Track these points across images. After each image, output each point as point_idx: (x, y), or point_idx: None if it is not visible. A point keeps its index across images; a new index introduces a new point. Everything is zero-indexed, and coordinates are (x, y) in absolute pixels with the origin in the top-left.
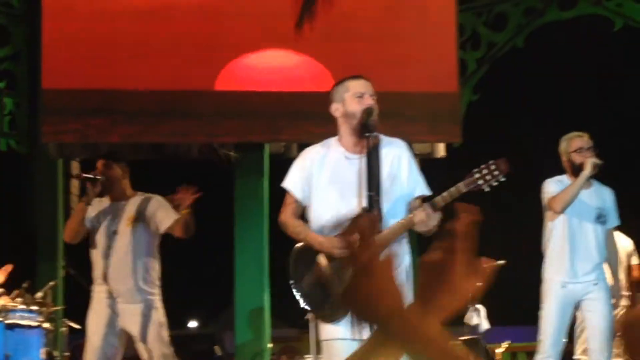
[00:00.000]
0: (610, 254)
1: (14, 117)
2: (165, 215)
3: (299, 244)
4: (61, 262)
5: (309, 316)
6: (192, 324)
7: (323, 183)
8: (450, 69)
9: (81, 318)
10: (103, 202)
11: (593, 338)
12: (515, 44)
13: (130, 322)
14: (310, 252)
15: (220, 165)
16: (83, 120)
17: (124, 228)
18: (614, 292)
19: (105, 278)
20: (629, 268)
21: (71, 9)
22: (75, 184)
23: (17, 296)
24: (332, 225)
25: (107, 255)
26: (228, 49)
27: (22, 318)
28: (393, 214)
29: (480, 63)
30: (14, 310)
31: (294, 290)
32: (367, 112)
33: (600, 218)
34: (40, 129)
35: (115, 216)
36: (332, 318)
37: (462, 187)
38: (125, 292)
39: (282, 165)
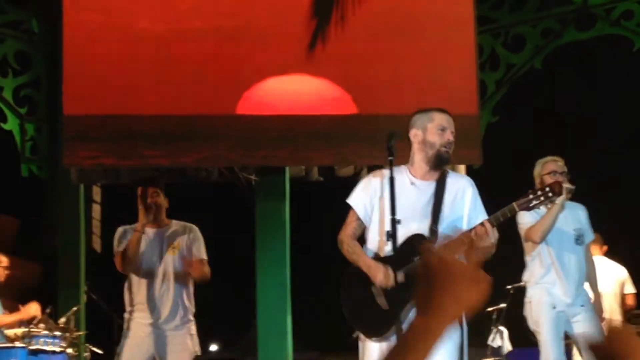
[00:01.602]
0: (588, 270)
1: (36, 142)
2: (199, 251)
3: (352, 266)
4: (83, 287)
5: (358, 335)
6: (214, 347)
7: (385, 205)
8: (471, 91)
9: (104, 343)
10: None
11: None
12: (533, 65)
13: (168, 349)
14: (362, 272)
15: (241, 188)
16: (104, 145)
17: (168, 256)
18: (595, 308)
19: (148, 305)
20: (623, 297)
21: (92, 35)
22: (96, 209)
23: (40, 322)
24: (388, 248)
25: (151, 282)
26: (249, 74)
27: (46, 344)
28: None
29: (499, 84)
30: (37, 336)
31: (344, 310)
32: (446, 145)
33: (579, 239)
34: (61, 154)
35: (159, 244)
36: (378, 334)
37: (515, 207)
38: (168, 319)
39: (302, 188)
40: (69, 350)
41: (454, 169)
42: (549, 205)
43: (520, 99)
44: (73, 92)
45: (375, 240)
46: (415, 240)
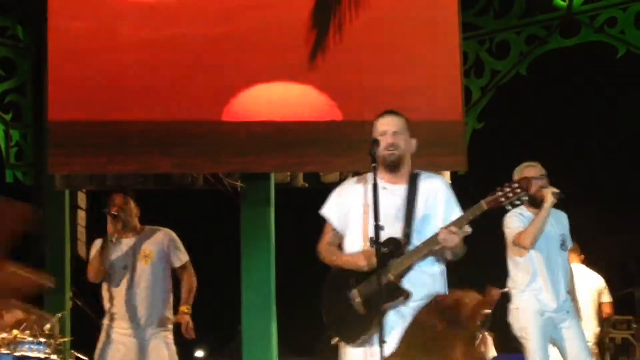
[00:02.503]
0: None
1: (21, 148)
2: (176, 255)
3: (331, 271)
4: (68, 294)
5: (337, 341)
6: (199, 353)
7: (359, 212)
8: (455, 97)
9: (89, 349)
10: (115, 238)
11: None
12: (518, 71)
13: (147, 356)
14: (341, 277)
15: (226, 195)
16: (89, 151)
17: (140, 264)
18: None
19: (124, 314)
20: (599, 305)
21: (77, 41)
22: (82, 216)
23: (25, 328)
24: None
25: (125, 291)
26: (234, 80)
27: (31, 350)
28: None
29: (484, 91)
30: (22, 343)
31: (324, 316)
32: (389, 149)
33: (564, 245)
34: (46, 160)
35: (131, 252)
36: (355, 340)
37: (483, 204)
38: (143, 328)
39: (288, 194)
40: (54, 357)
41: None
42: (518, 202)
43: (505, 105)
44: (58, 98)
45: (353, 247)
46: (389, 244)
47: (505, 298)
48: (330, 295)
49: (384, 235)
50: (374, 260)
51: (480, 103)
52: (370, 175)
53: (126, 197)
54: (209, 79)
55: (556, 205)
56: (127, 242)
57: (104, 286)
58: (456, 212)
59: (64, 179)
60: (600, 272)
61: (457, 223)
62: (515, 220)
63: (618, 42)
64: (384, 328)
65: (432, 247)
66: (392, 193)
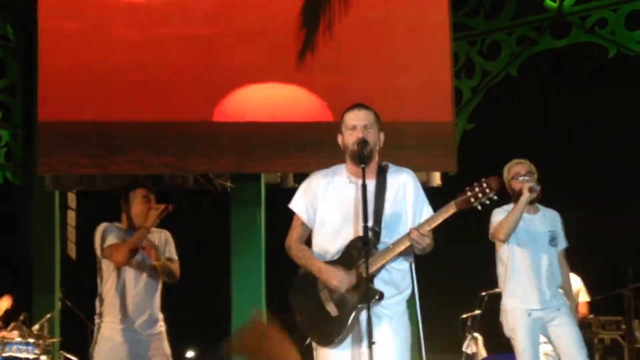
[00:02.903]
0: (563, 277)
1: (10, 149)
2: (170, 251)
3: (300, 270)
4: (58, 294)
5: (310, 342)
6: (190, 353)
7: (327, 206)
8: (446, 97)
9: (78, 350)
10: (122, 231)
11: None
12: (509, 72)
13: (148, 354)
14: (310, 278)
15: (216, 195)
16: (79, 151)
17: (147, 259)
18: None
19: (125, 309)
20: (576, 305)
21: (67, 41)
22: (71, 216)
23: (14, 328)
24: (334, 249)
25: (130, 287)
26: (224, 81)
27: (19, 351)
28: (397, 236)
29: (474, 91)
30: (10, 343)
31: (296, 318)
32: (358, 144)
33: (553, 241)
34: (36, 160)
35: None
36: (329, 342)
37: (453, 205)
38: (147, 324)
39: (278, 195)
40: (43, 357)
41: (428, 177)
42: (488, 202)
43: (496, 106)
44: (48, 98)
45: (320, 243)
46: (358, 242)
47: (497, 300)
48: (301, 297)
49: (352, 232)
50: (346, 287)
51: (470, 104)
52: (337, 168)
53: (149, 192)
54: (199, 79)
55: (546, 203)
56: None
57: (106, 281)
58: (425, 207)
59: (54, 179)
60: (590, 272)
61: (428, 224)
62: (498, 215)
63: (608, 43)
64: (372, 329)
65: (403, 247)
66: (359, 187)
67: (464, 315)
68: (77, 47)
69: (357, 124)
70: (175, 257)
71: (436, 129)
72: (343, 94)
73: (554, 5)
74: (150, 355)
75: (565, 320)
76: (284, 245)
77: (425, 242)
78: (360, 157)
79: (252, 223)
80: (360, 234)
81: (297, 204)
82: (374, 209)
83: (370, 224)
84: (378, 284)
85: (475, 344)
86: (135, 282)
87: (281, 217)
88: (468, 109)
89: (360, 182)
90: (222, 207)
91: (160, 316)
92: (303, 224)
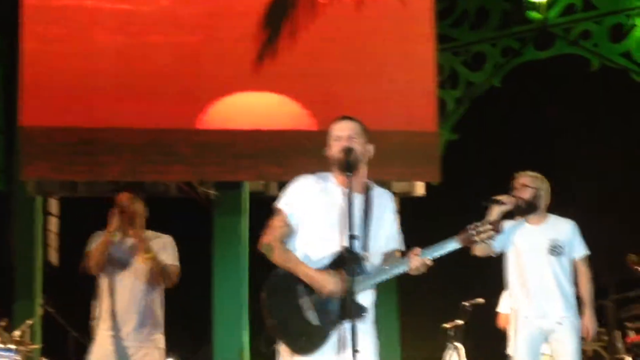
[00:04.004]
0: (581, 285)
1: None
2: (168, 256)
3: (277, 271)
4: (39, 301)
5: (279, 347)
6: None
7: (316, 211)
8: (430, 108)
9: (59, 356)
10: (116, 237)
11: None
12: (493, 83)
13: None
14: (289, 280)
15: (199, 203)
16: (61, 157)
17: (139, 266)
18: (586, 326)
19: (114, 315)
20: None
21: (51, 47)
22: (53, 222)
23: None
24: (317, 256)
25: (119, 292)
26: (208, 88)
27: (0, 357)
28: (375, 256)
29: (459, 102)
30: None
31: (268, 320)
32: (344, 151)
33: (554, 250)
34: (18, 166)
35: (130, 253)
36: (305, 350)
37: (457, 242)
38: (135, 331)
39: (261, 203)
40: None
41: (411, 187)
42: (491, 241)
43: (480, 117)
44: (30, 103)
45: (303, 248)
46: (346, 255)
47: (479, 310)
48: (277, 299)
49: (338, 240)
50: (340, 290)
51: (454, 114)
52: (326, 175)
53: (134, 197)
54: (183, 86)
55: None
56: (129, 242)
57: (104, 283)
58: (398, 231)
59: (36, 185)
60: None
61: (431, 253)
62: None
63: (592, 55)
64: (356, 336)
65: (398, 271)
66: (349, 200)
67: (446, 325)
68: (60, 53)
69: (342, 135)
70: (174, 262)
71: (420, 139)
72: (328, 103)
73: (539, 16)
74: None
75: (565, 336)
76: (260, 243)
77: (423, 270)
78: (347, 164)
79: (235, 231)
80: (345, 243)
81: (286, 204)
82: (363, 222)
83: (359, 236)
84: (361, 299)
85: (457, 354)
86: (122, 289)
87: (264, 226)
88: (452, 120)
89: (353, 195)
90: (205, 215)
91: (156, 325)
92: (288, 225)
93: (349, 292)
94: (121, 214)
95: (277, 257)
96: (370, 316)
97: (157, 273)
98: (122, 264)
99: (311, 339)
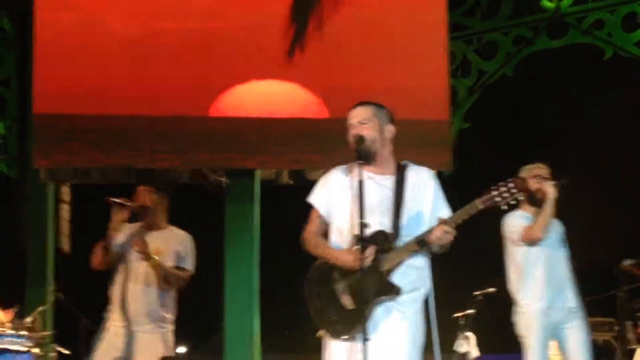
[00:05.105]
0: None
1: (5, 141)
2: (185, 262)
3: (315, 263)
4: (51, 287)
5: (322, 335)
6: (181, 349)
7: (345, 202)
8: (442, 96)
9: (71, 343)
10: (134, 228)
11: None
12: (505, 72)
13: (136, 350)
14: (325, 270)
15: (211, 190)
16: (74, 145)
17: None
18: None
19: (124, 306)
20: None
21: (63, 34)
22: (65, 209)
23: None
24: (351, 244)
25: (128, 283)
26: (222, 76)
27: (12, 343)
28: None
29: (470, 91)
30: (2, 335)
31: (309, 308)
32: (355, 140)
33: (563, 243)
34: (31, 153)
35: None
36: (342, 334)
37: (478, 203)
38: (143, 322)
39: (272, 191)
40: (35, 350)
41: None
42: (514, 202)
43: (491, 105)
44: (44, 91)
45: (338, 239)
46: (377, 237)
47: (490, 299)
48: (315, 288)
49: (370, 226)
50: (362, 263)
51: (466, 103)
52: (355, 164)
53: (150, 190)
54: (196, 74)
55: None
56: (143, 234)
57: (114, 276)
58: (444, 207)
59: (48, 172)
60: (583, 273)
61: (452, 222)
62: (518, 219)
63: (605, 44)
64: (367, 326)
65: (421, 244)
66: (378, 183)
67: (457, 314)
68: (73, 40)
69: (352, 122)
70: (186, 266)
71: (432, 127)
72: (339, 92)
73: (551, 5)
74: (140, 353)
75: (578, 324)
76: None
77: (448, 239)
78: (358, 154)
79: (246, 219)
80: (379, 228)
81: (317, 198)
82: (393, 206)
83: (388, 221)
84: (395, 279)
85: (467, 343)
86: (135, 281)
87: (275, 213)
88: (464, 108)
89: (379, 177)
90: (217, 202)
91: (166, 316)
92: (321, 217)
93: (376, 271)
94: (121, 208)
95: (311, 248)
96: (409, 297)
97: (161, 278)
98: (133, 258)
99: (346, 323)
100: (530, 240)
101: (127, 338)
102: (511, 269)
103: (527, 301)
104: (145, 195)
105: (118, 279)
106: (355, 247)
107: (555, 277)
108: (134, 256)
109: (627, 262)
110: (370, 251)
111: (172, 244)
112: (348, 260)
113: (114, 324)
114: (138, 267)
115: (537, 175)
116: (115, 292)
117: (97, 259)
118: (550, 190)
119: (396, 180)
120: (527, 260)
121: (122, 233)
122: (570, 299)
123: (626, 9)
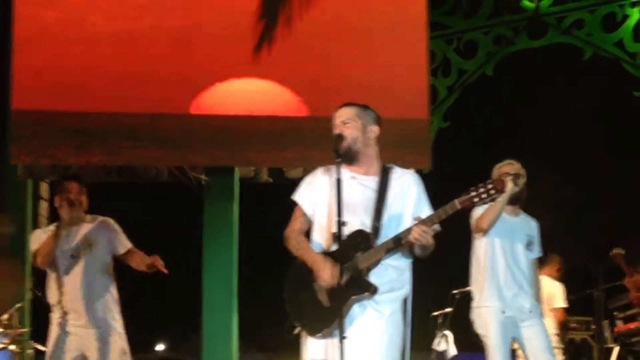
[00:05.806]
0: (535, 282)
1: None
2: (119, 242)
3: (295, 260)
4: (28, 285)
5: (299, 332)
6: (160, 347)
7: (325, 202)
8: (421, 95)
9: (47, 340)
10: (51, 229)
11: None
12: (485, 72)
13: (89, 347)
14: (305, 268)
15: (190, 188)
16: (53, 141)
17: (83, 252)
18: None
19: (62, 303)
20: (555, 310)
21: (43, 30)
22: (44, 206)
23: None
24: (329, 243)
25: (65, 279)
26: (203, 74)
27: None
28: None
29: (450, 90)
30: None
31: (287, 306)
32: (335, 139)
33: (529, 246)
34: (9, 149)
35: (73, 239)
36: (318, 331)
37: (457, 204)
38: (83, 316)
39: (251, 189)
40: (12, 347)
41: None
42: (491, 202)
43: (471, 105)
44: (22, 86)
45: (319, 238)
46: (357, 236)
47: (468, 298)
48: (294, 286)
49: (350, 225)
50: (336, 282)
51: (446, 102)
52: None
53: (82, 186)
54: (177, 71)
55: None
56: (75, 231)
57: (52, 276)
58: (426, 210)
59: (27, 169)
60: (563, 273)
61: (429, 221)
62: (480, 210)
63: (585, 44)
64: (344, 324)
65: (398, 243)
66: (361, 183)
67: (435, 313)
68: (53, 36)
69: (335, 122)
70: (129, 244)
71: (411, 126)
72: (319, 90)
73: (532, 5)
74: (86, 349)
75: (537, 322)
76: (254, 240)
77: (427, 239)
78: (336, 152)
79: (225, 217)
80: (359, 228)
81: (301, 196)
82: (375, 206)
83: (369, 221)
84: (373, 278)
85: (445, 342)
86: (71, 279)
87: (254, 211)
88: (443, 108)
89: (363, 178)
90: (196, 200)
91: (110, 312)
92: (304, 215)
93: (353, 269)
94: (71, 205)
95: (292, 247)
96: (387, 297)
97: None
98: (70, 256)
99: (323, 320)
100: (477, 230)
101: (81, 336)
102: (472, 262)
103: (486, 298)
104: (81, 191)
105: (55, 277)
106: (333, 248)
107: (515, 275)
108: (72, 255)
109: (617, 250)
110: (344, 277)
111: (102, 233)
112: (325, 275)
113: (57, 320)
114: (74, 263)
115: (505, 173)
116: (59, 291)
117: (48, 254)
118: (508, 184)
119: (380, 181)
120: (485, 254)
121: (43, 234)
122: (528, 301)
123: (606, 9)
